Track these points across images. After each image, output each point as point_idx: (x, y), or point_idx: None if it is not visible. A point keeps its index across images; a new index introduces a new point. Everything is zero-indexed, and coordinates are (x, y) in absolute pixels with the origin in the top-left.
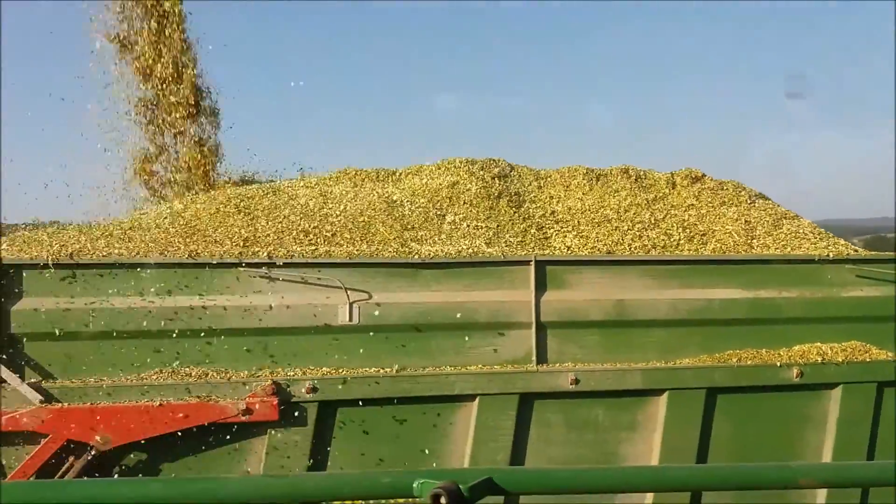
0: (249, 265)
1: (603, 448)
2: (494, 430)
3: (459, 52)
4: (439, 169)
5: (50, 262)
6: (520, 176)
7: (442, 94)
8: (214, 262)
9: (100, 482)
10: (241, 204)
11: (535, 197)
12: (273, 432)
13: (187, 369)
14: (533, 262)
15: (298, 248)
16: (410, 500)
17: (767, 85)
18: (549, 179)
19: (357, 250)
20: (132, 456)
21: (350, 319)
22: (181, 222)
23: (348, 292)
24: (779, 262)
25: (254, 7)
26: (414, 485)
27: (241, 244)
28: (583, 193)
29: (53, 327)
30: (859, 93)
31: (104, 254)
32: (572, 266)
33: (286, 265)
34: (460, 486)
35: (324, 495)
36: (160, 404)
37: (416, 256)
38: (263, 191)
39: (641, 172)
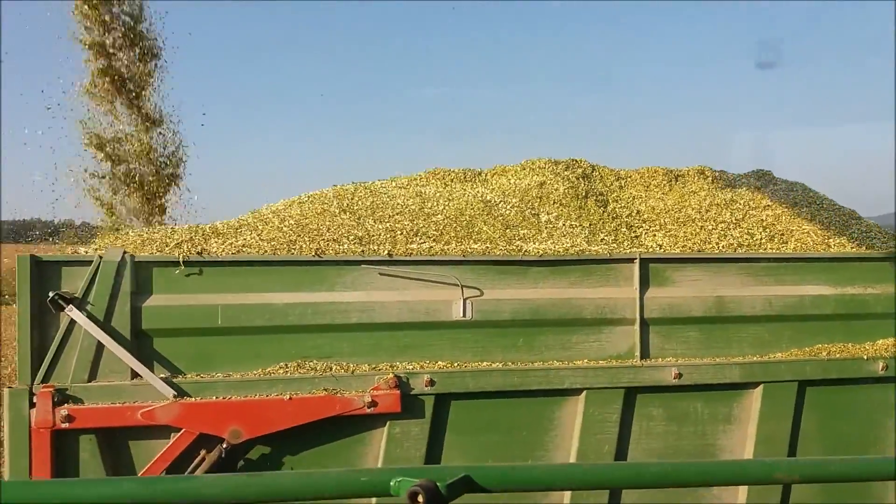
0: (371, 262)
1: (701, 440)
2: (601, 422)
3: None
4: (524, 169)
5: (181, 260)
6: (601, 176)
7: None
8: (339, 260)
9: (70, 482)
10: (345, 204)
11: (617, 196)
12: (392, 424)
13: (311, 363)
14: (638, 260)
15: (415, 247)
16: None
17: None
18: (629, 180)
19: (469, 248)
20: (256, 449)
21: (464, 315)
22: (290, 222)
23: (462, 289)
24: (864, 259)
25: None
26: (391, 483)
27: (358, 242)
28: (663, 193)
29: (182, 323)
30: (852, 89)
31: (234, 251)
32: (674, 263)
33: (405, 262)
34: (437, 484)
35: (300, 494)
36: (290, 398)
37: (526, 254)
38: (361, 192)
39: (717, 173)
